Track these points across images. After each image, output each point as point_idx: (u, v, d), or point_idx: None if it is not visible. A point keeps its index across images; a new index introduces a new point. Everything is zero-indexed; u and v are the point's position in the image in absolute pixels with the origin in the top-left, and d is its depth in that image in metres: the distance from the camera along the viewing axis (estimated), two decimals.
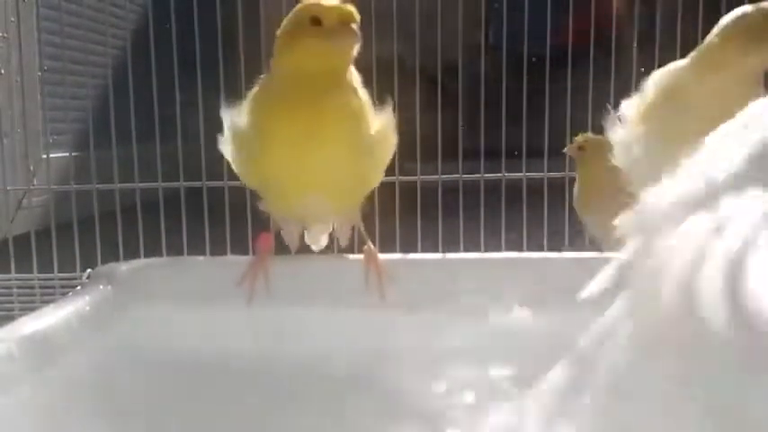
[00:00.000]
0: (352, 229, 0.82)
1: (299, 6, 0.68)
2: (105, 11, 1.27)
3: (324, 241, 0.88)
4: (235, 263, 0.76)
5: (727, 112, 0.47)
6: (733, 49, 0.70)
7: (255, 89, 0.73)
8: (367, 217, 0.79)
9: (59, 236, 1.18)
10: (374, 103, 0.73)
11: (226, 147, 0.75)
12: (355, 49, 0.68)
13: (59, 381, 0.59)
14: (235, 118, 0.73)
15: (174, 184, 1.19)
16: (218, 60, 1.16)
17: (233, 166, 0.76)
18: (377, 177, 0.77)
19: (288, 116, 0.67)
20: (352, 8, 0.67)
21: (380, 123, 0.73)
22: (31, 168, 1.29)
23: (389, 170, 1.17)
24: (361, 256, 0.76)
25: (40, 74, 1.31)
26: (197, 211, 1.17)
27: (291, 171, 0.69)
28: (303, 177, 0.70)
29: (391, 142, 0.75)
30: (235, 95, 0.75)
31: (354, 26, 0.66)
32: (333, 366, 0.71)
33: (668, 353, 0.34)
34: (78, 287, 0.70)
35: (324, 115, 0.67)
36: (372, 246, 0.76)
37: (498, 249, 1.09)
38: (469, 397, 0.69)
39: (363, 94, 0.72)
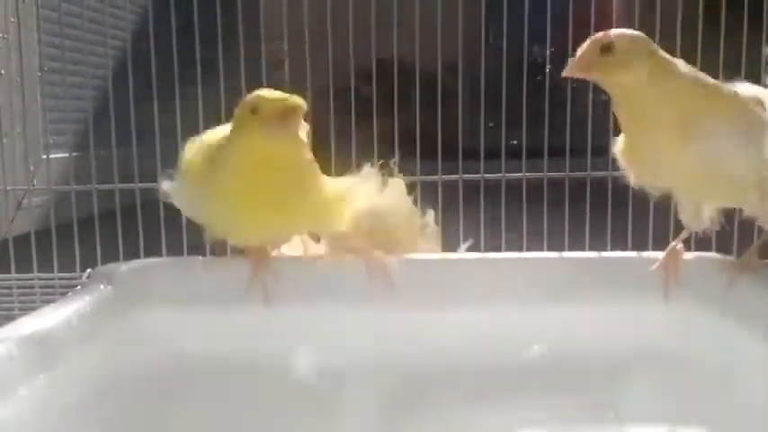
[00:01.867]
0: None
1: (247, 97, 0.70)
2: (105, 11, 1.27)
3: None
4: (235, 263, 0.76)
5: None
6: None
7: (217, 147, 0.72)
8: None
9: (59, 236, 1.18)
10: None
11: (176, 198, 0.76)
12: (296, 140, 0.67)
13: (59, 380, 0.59)
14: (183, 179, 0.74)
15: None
16: (218, 60, 1.16)
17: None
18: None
19: (247, 196, 0.69)
20: (294, 101, 0.66)
21: (338, 191, 0.74)
22: (31, 168, 1.28)
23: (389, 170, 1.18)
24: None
25: (39, 74, 1.30)
26: None
27: (251, 227, 0.72)
28: (264, 230, 0.74)
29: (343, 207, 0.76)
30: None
31: (293, 119, 0.66)
32: (333, 365, 0.71)
33: None
34: (78, 287, 0.70)
35: (280, 204, 0.69)
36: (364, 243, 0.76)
37: (498, 249, 1.09)
38: (469, 394, 0.69)
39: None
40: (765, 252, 0.74)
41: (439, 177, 1.20)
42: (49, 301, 0.68)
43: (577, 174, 1.19)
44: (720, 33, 1.14)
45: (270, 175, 0.67)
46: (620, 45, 0.66)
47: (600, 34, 0.67)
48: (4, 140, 1.22)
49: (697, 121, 0.65)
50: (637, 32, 0.69)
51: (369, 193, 0.78)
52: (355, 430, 0.67)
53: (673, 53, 0.72)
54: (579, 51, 0.67)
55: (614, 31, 0.67)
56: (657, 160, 0.67)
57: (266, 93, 0.68)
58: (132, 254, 1.13)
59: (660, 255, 0.75)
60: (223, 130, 0.73)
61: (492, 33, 2.04)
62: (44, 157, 1.28)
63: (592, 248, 1.12)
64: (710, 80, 0.69)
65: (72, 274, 1.19)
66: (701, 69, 0.72)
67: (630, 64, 0.65)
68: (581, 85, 1.19)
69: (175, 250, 1.11)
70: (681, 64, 0.68)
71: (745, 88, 0.71)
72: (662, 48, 0.69)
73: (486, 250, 1.05)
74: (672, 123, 0.64)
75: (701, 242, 1.16)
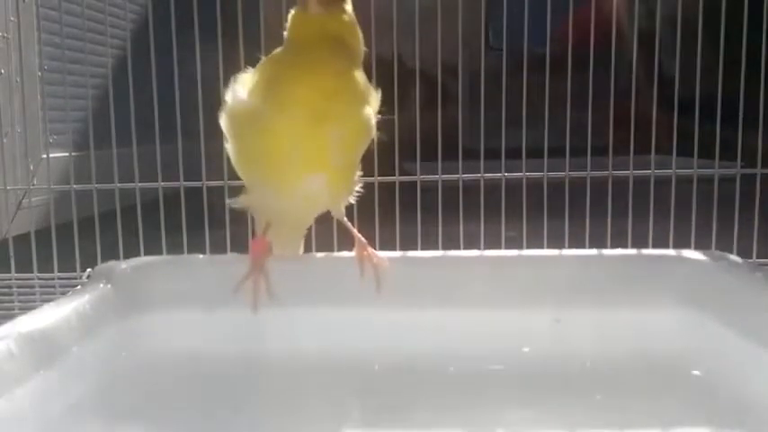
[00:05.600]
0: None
1: None
2: (105, 11, 1.27)
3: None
4: (235, 262, 0.75)
5: None
6: None
7: (265, 60, 0.73)
8: (367, 217, 0.79)
9: (59, 236, 1.18)
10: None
11: (224, 122, 0.73)
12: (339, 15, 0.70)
13: (58, 379, 0.59)
14: (238, 91, 0.71)
15: (174, 184, 1.19)
16: (218, 60, 1.16)
17: (230, 146, 0.74)
18: (356, 165, 0.77)
19: (302, 79, 0.67)
20: None
21: (373, 109, 0.73)
22: (31, 168, 1.29)
23: (389, 170, 1.18)
24: None
25: (40, 74, 1.31)
26: (197, 211, 1.17)
27: (300, 137, 0.68)
28: (309, 148, 0.68)
29: (372, 132, 0.74)
30: None
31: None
32: (333, 366, 0.71)
33: None
34: (78, 286, 0.70)
35: (337, 83, 0.68)
36: (361, 237, 0.76)
37: (498, 249, 1.09)
38: (469, 394, 0.69)
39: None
40: None
41: (439, 177, 1.20)
42: (48, 301, 0.68)
43: (578, 173, 1.19)
44: (720, 35, 1.14)
45: (319, 44, 0.68)
46: None
47: None
48: (4, 140, 1.22)
49: None
50: None
51: None
52: (353, 430, 0.67)
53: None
54: None
55: None
56: None
57: None
58: (132, 254, 1.13)
59: (662, 252, 0.76)
60: None
61: (492, 33, 2.04)
62: (44, 156, 1.28)
63: (591, 248, 1.12)
64: None
65: (72, 274, 1.19)
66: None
67: None
68: (581, 85, 1.19)
69: (176, 250, 1.11)
70: None
71: None
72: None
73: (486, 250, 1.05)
74: None
75: (701, 242, 1.16)
